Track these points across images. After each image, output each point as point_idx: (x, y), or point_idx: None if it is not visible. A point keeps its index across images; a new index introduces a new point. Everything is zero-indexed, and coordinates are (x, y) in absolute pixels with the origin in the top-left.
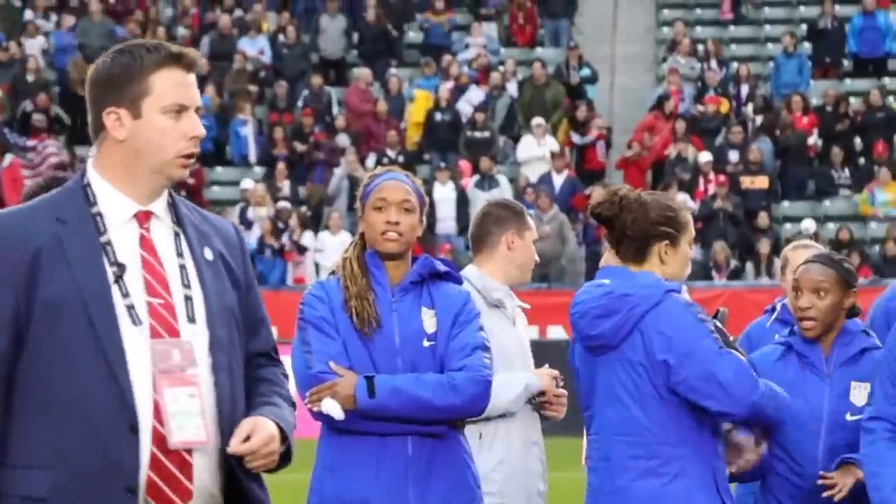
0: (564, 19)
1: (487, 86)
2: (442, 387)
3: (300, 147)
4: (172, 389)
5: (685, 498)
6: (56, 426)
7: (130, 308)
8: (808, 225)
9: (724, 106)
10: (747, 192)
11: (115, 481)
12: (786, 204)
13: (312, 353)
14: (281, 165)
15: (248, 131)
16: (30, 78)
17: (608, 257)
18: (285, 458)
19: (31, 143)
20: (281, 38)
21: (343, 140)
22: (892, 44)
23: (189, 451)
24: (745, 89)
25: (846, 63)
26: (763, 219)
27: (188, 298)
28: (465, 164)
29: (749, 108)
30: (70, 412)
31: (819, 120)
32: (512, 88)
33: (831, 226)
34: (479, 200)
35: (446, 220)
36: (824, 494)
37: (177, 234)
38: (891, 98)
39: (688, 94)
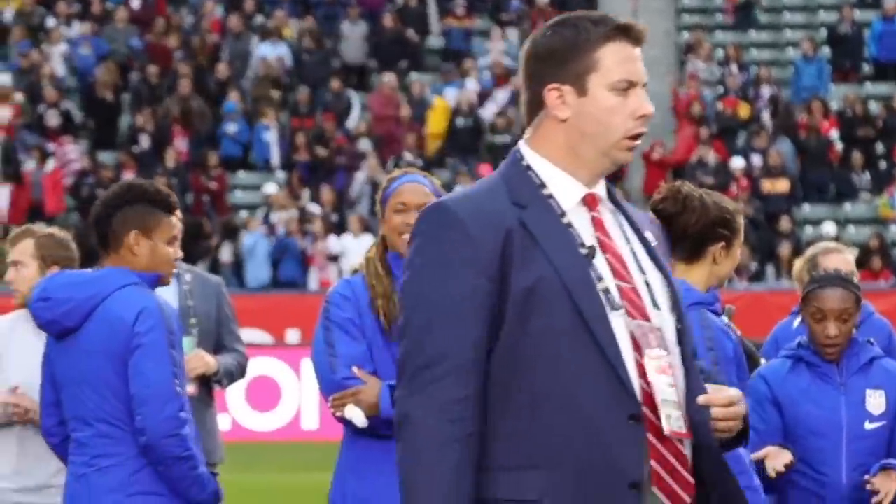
0: None
1: (508, 90)
2: None
3: (321, 152)
4: (657, 376)
5: None
6: (545, 422)
7: (606, 292)
8: (829, 228)
9: (745, 110)
10: (768, 196)
11: (616, 477)
12: (806, 207)
13: (337, 356)
14: (298, 174)
15: (272, 136)
16: (51, 84)
17: None
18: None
19: (50, 146)
20: (302, 43)
21: (364, 145)
22: None
23: (680, 442)
24: (765, 93)
25: (866, 67)
26: (784, 222)
27: (647, 283)
28: (484, 168)
29: (766, 113)
30: (561, 406)
31: (839, 124)
32: None
33: (852, 229)
34: None
35: None
36: (873, 501)
37: (623, 219)
38: None
39: (708, 98)
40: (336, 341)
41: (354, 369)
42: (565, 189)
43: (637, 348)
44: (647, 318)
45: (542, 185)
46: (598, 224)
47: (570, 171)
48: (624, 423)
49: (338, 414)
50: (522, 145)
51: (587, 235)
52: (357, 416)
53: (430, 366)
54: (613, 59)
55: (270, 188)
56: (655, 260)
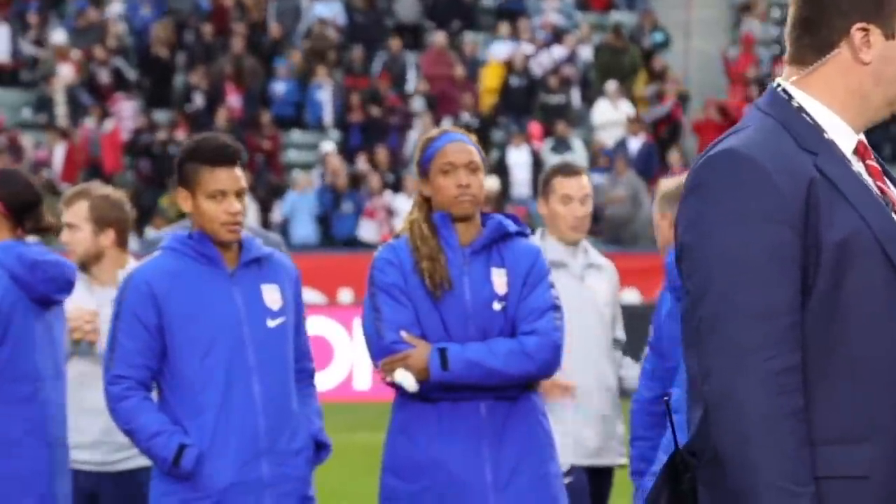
0: None
1: (562, 49)
2: (514, 355)
3: (375, 111)
4: None
5: None
6: (867, 389)
7: None
8: None
9: None
10: None
11: None
12: None
13: (383, 321)
14: (351, 135)
15: (325, 96)
16: (110, 43)
17: None
18: None
19: (107, 105)
20: (355, 2)
21: (418, 105)
22: None
23: None
24: None
25: None
26: None
27: None
28: (535, 128)
29: None
30: (882, 370)
31: None
32: (586, 52)
33: None
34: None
35: (521, 185)
36: None
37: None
38: None
39: (764, 58)
40: (382, 306)
41: (403, 333)
42: (841, 135)
43: None
44: None
45: (822, 130)
46: (875, 173)
47: (847, 118)
48: None
49: (388, 379)
50: (788, 85)
51: (871, 185)
52: (408, 380)
53: (745, 334)
54: None
55: (326, 146)
56: None
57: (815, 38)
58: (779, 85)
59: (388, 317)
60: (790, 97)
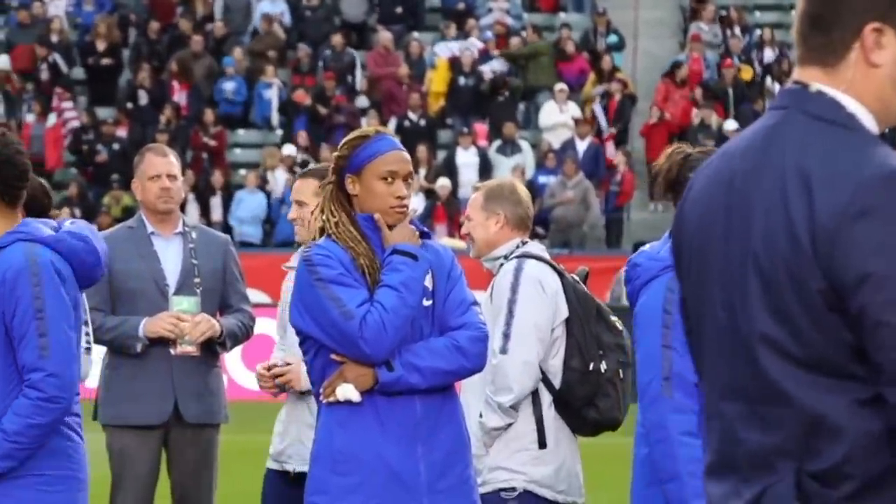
0: None
1: (510, 50)
2: (450, 351)
3: (322, 110)
4: None
5: None
6: None
7: None
8: None
9: (748, 73)
10: None
11: None
12: None
13: (346, 304)
14: (302, 135)
15: (273, 94)
16: (54, 38)
17: None
18: None
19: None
20: (303, 1)
21: (364, 103)
22: None
23: None
24: (768, 56)
25: None
26: None
27: None
28: (479, 128)
29: (768, 79)
30: None
31: None
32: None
33: None
34: (502, 166)
35: (468, 185)
36: None
37: None
38: None
39: (711, 60)
40: (339, 294)
41: (333, 356)
42: None
43: None
44: None
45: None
46: None
47: (875, 125)
48: None
49: (331, 399)
50: (835, 92)
51: None
52: (351, 393)
53: None
54: None
55: (289, 150)
56: None
57: (829, 37)
58: (818, 89)
59: (350, 298)
60: (840, 105)
